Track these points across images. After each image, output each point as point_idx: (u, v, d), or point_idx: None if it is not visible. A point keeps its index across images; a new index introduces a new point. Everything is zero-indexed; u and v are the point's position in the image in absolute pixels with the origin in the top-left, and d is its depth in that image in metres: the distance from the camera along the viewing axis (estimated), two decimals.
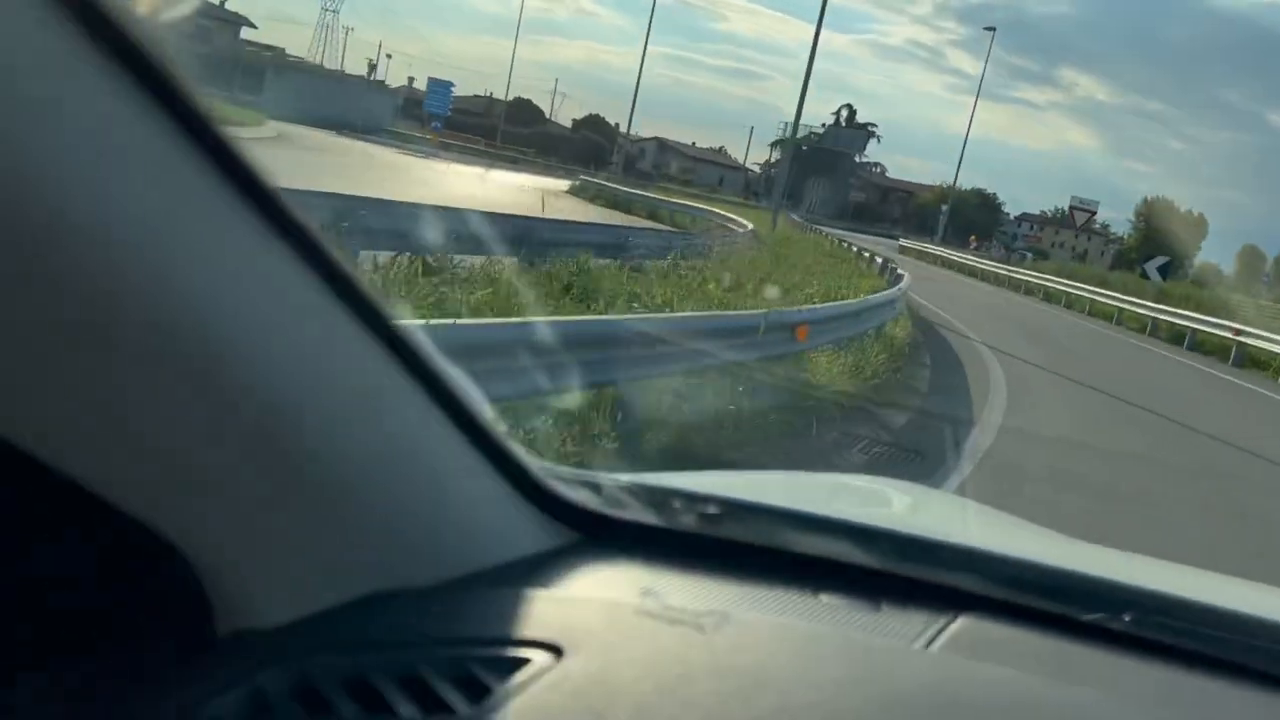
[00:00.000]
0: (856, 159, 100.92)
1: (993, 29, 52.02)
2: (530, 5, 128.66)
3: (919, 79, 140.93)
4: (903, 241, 54.20)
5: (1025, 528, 1.61)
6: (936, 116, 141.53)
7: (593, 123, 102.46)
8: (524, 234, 11.97)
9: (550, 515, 1.00)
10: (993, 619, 0.99)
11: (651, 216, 31.57)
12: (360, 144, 46.72)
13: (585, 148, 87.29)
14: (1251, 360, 19.57)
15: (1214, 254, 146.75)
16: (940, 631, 0.96)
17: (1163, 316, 23.29)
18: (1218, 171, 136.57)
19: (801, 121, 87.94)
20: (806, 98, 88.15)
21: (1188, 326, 21.84)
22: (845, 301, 9.80)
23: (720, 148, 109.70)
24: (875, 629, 0.97)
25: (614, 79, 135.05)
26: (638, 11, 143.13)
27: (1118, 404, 11.30)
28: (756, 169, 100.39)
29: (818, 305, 8.88)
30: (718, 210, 32.47)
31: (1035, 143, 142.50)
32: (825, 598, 1.00)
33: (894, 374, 9.15)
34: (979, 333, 15.95)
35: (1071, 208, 30.50)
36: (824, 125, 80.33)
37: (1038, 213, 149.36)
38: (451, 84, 61.25)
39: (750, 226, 24.73)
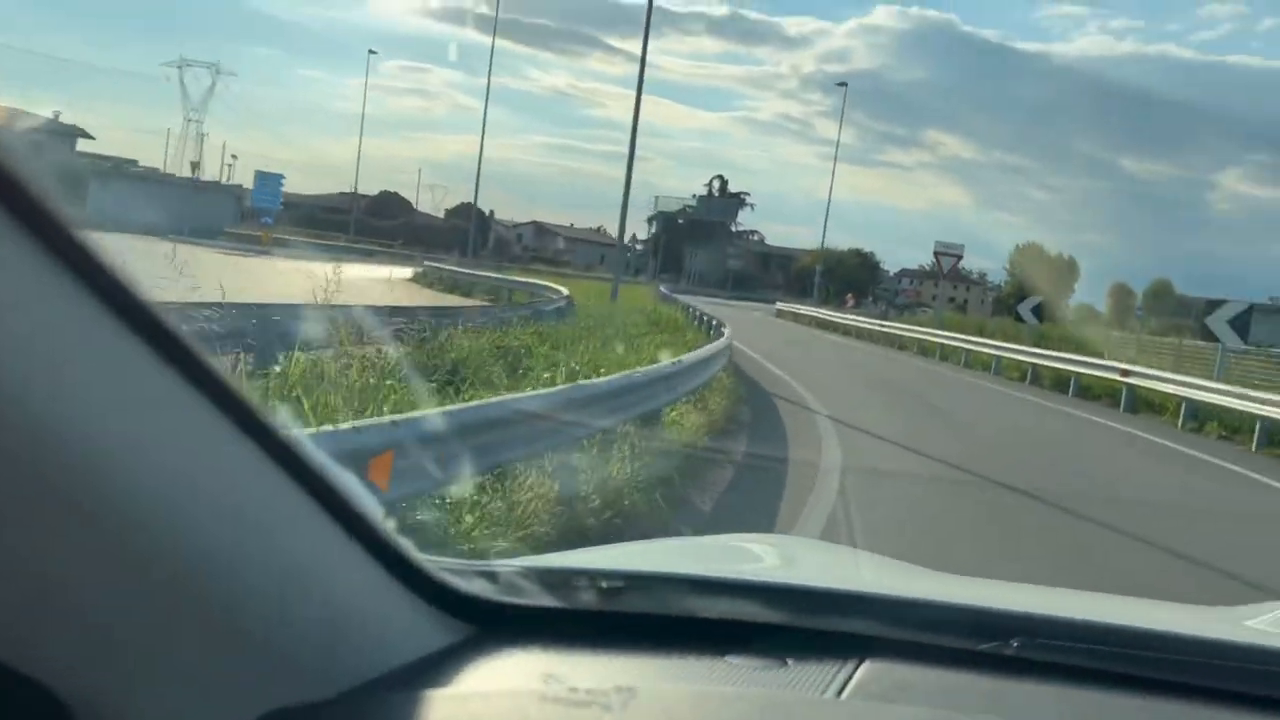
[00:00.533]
0: (732, 228, 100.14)
1: (844, 84, 50.99)
2: (408, 105, 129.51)
3: (792, 150, 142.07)
4: (779, 305, 52.18)
5: (912, 570, 1.68)
6: (811, 184, 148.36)
7: (464, 211, 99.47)
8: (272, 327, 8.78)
9: (447, 611, 0.99)
10: (895, 660, 1.04)
11: (491, 296, 30.72)
12: (187, 247, 42.75)
13: (454, 236, 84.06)
14: (1145, 403, 17.05)
15: (1087, 294, 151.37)
16: (849, 679, 0.99)
17: (1044, 362, 20.74)
18: (1079, 217, 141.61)
19: (676, 195, 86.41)
20: (686, 174, 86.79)
21: (1071, 371, 19.28)
22: (609, 377, 6.65)
23: (599, 227, 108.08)
24: (785, 684, 0.99)
25: (496, 170, 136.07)
26: (516, 105, 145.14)
27: (1002, 494, 8.18)
28: (639, 246, 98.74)
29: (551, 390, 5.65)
30: (558, 286, 29.45)
31: (908, 202, 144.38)
32: (733, 659, 1.02)
33: (653, 495, 5.85)
34: (830, 401, 12.89)
35: (936, 253, 27.85)
36: (695, 196, 78.76)
37: (916, 267, 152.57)
38: (281, 176, 57.47)
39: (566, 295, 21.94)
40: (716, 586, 1.12)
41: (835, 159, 53.17)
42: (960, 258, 29.72)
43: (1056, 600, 1.38)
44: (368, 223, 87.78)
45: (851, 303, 57.15)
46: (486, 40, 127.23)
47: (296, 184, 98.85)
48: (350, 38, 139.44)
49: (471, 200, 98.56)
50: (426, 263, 39.51)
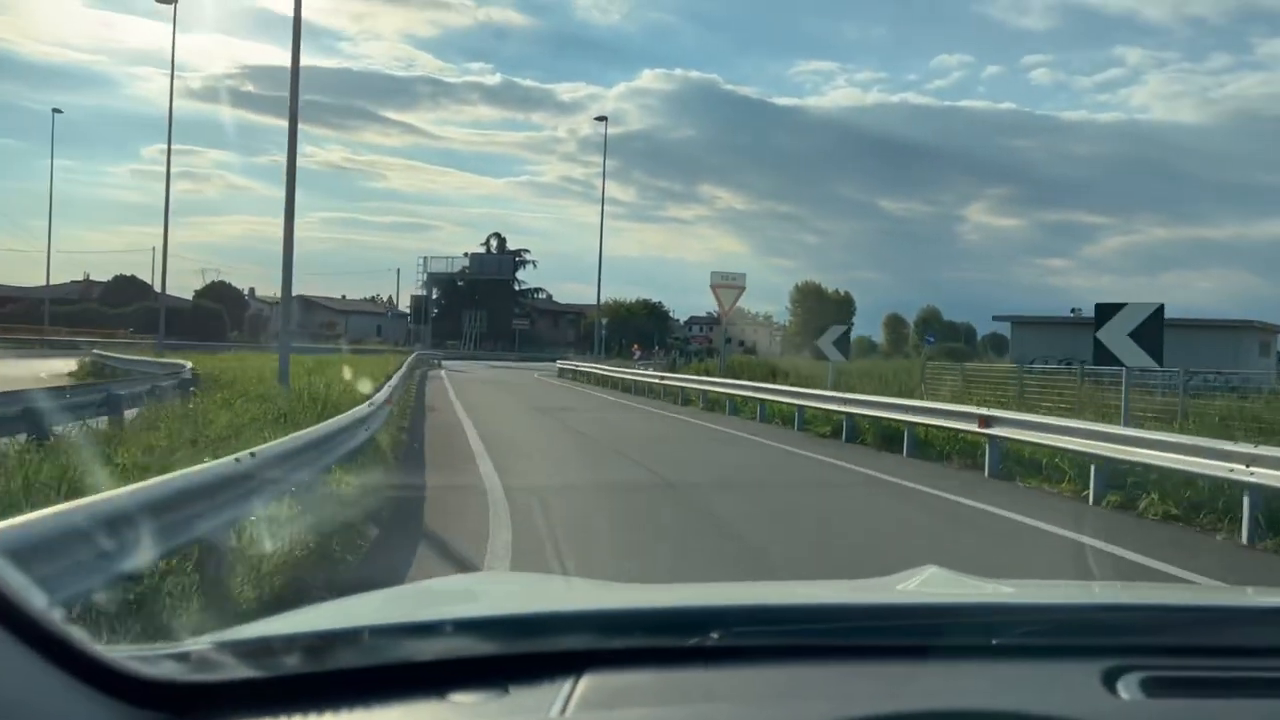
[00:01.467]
0: (515, 287, 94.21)
1: (604, 118, 46.17)
2: (177, 188, 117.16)
3: (578, 210, 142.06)
4: (561, 363, 46.46)
5: (618, 586, 1.78)
6: (605, 244, 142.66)
7: (216, 291, 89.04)
8: None
9: (131, 701, 0.93)
10: (612, 670, 1.07)
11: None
12: None
13: (198, 318, 74.02)
14: (1018, 460, 11.80)
15: (863, 327, 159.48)
16: (570, 696, 1.01)
17: (867, 411, 15.30)
18: (850, 256, 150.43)
19: (447, 254, 79.47)
20: (475, 241, 79.89)
21: (903, 421, 13.90)
22: None
23: (374, 296, 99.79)
24: (509, 711, 1.01)
25: (274, 248, 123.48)
26: (297, 181, 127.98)
27: None
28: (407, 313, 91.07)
29: None
30: (182, 362, 22.59)
31: (691, 254, 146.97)
32: (456, 697, 1.01)
33: None
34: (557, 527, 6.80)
35: (714, 287, 22.21)
36: (466, 254, 72.25)
37: (704, 314, 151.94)
38: None
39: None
40: (426, 629, 1.10)
41: (603, 198, 48.09)
42: (742, 289, 24.76)
43: (748, 591, 1.50)
44: (98, 311, 76.32)
45: (639, 354, 52.10)
46: (255, 119, 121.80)
47: (29, 277, 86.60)
48: (109, 126, 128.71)
49: (253, 283, 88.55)
50: (96, 351, 31.25)
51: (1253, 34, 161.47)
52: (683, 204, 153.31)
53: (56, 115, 66.93)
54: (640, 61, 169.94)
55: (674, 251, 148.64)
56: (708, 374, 28.49)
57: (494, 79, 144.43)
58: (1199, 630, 1.35)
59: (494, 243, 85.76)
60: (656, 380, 27.30)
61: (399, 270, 72.92)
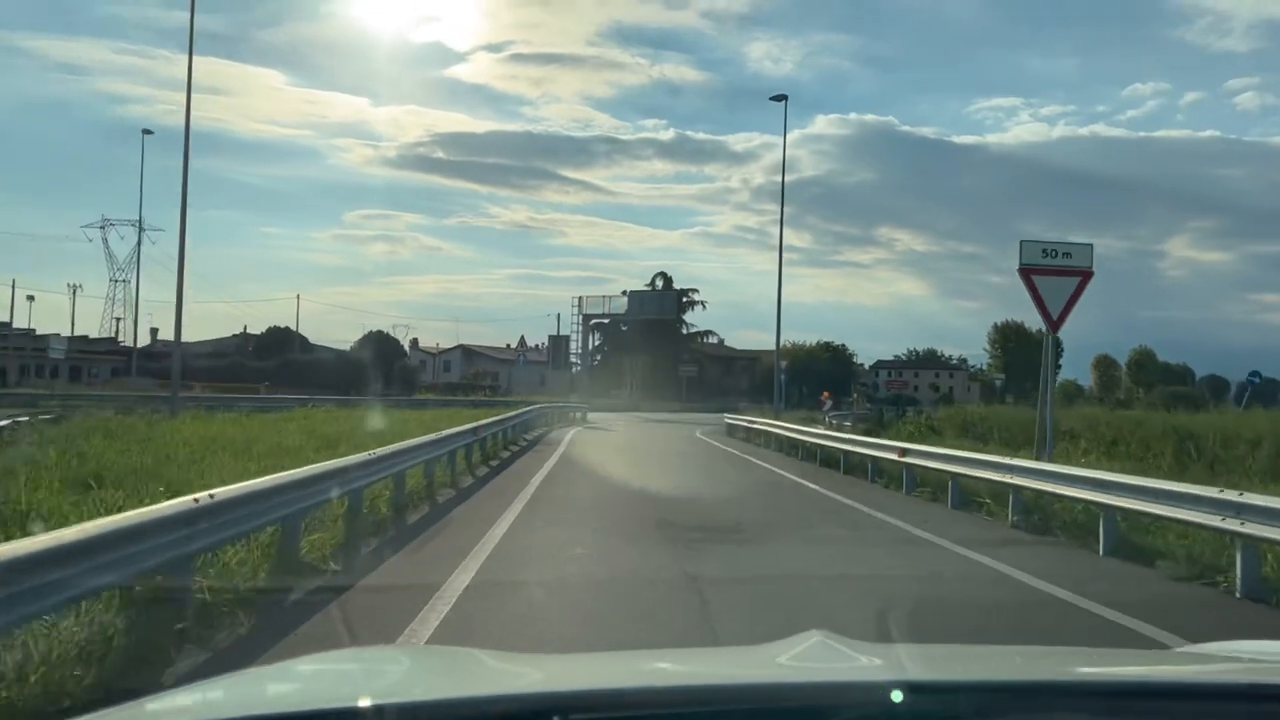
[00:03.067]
0: (682, 330, 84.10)
1: (783, 96, 35.23)
2: (376, 251, 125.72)
3: (752, 259, 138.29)
4: (730, 419, 35.73)
5: (480, 661, 1.62)
6: (774, 289, 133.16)
7: (375, 341, 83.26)
8: None
9: None
10: None
11: None
12: None
13: (346, 370, 67.45)
14: None
15: (1067, 371, 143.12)
16: None
17: None
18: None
19: (609, 295, 70.10)
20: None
21: None
22: None
23: (538, 344, 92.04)
24: None
25: (467, 305, 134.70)
26: (480, 241, 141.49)
27: None
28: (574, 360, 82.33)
29: None
30: None
31: (870, 299, 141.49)
32: None
33: None
34: None
35: (1026, 270, 9.89)
36: (625, 293, 62.47)
37: (891, 358, 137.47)
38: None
39: None
40: None
41: (782, 205, 37.41)
42: (1088, 274, 13.30)
43: (605, 669, 1.41)
44: (242, 364, 71.21)
45: (829, 404, 40.48)
46: (445, 183, 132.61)
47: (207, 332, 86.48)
48: (313, 194, 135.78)
49: (464, 341, 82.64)
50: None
51: None
52: (860, 247, 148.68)
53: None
54: (814, 108, 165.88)
55: (851, 296, 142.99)
56: (983, 451, 16.75)
57: (668, 134, 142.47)
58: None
59: (659, 283, 76.07)
60: (891, 456, 15.72)
61: (559, 315, 64.64)
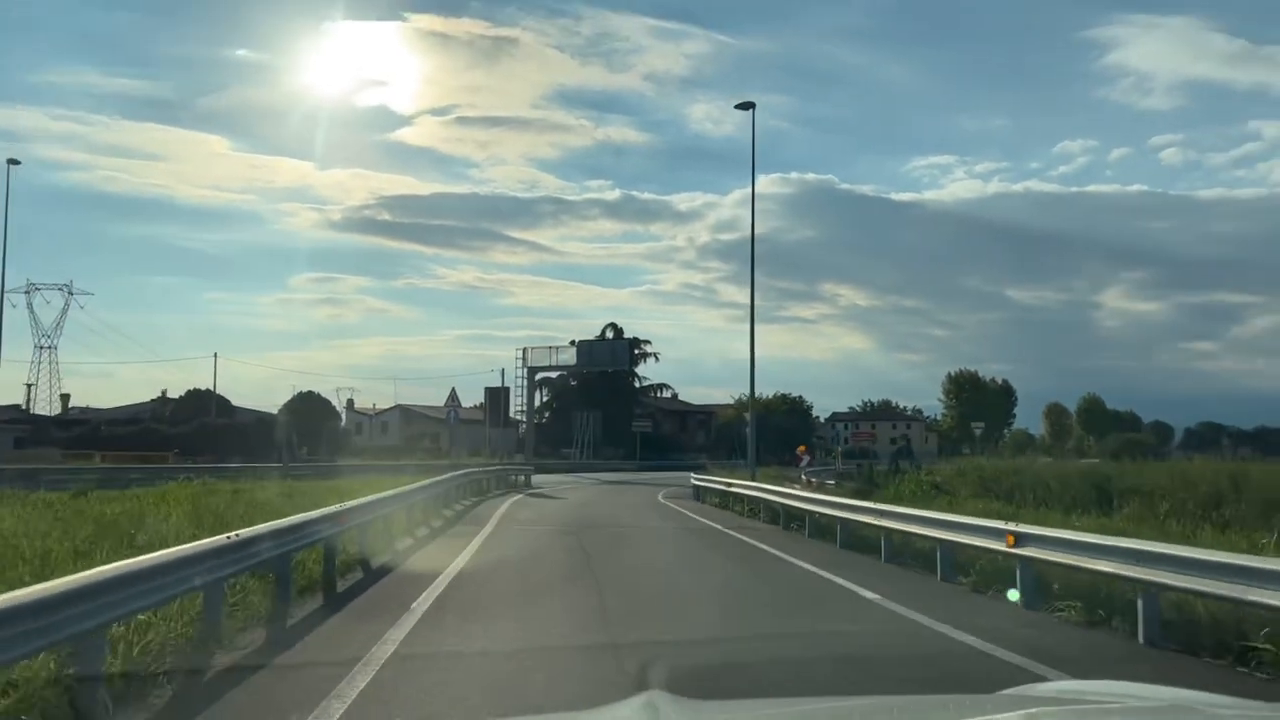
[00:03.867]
0: (635, 383, 78.54)
1: (751, 105, 30.32)
2: (322, 314, 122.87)
3: (701, 315, 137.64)
4: (697, 479, 30.10)
5: None
6: (723, 346, 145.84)
7: (302, 403, 76.40)
8: None
9: None
10: None
11: None
12: None
13: (266, 435, 60.46)
14: None
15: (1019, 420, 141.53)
16: None
17: None
18: (979, 349, 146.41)
19: (555, 345, 64.05)
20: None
21: None
22: None
23: (480, 404, 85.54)
24: None
25: (412, 366, 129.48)
26: (428, 302, 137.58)
27: None
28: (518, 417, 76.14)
29: None
30: None
31: (817, 353, 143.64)
32: None
33: None
34: None
35: None
36: (573, 342, 56.74)
37: (846, 410, 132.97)
38: None
39: None
40: None
41: (752, 247, 32.15)
42: None
43: None
44: (154, 430, 63.90)
45: (807, 460, 35.03)
46: (392, 245, 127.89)
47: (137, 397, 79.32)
48: (257, 259, 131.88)
49: (406, 400, 75.80)
50: None
51: None
52: (805, 303, 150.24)
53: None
54: (756, 167, 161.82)
55: (798, 351, 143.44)
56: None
57: (613, 194, 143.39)
58: None
59: (609, 332, 70.64)
60: (990, 544, 10.02)
61: (503, 370, 58.69)
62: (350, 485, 21.95)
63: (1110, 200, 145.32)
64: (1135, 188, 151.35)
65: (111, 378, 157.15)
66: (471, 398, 77.11)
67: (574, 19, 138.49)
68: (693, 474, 33.48)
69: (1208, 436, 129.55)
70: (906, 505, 14.84)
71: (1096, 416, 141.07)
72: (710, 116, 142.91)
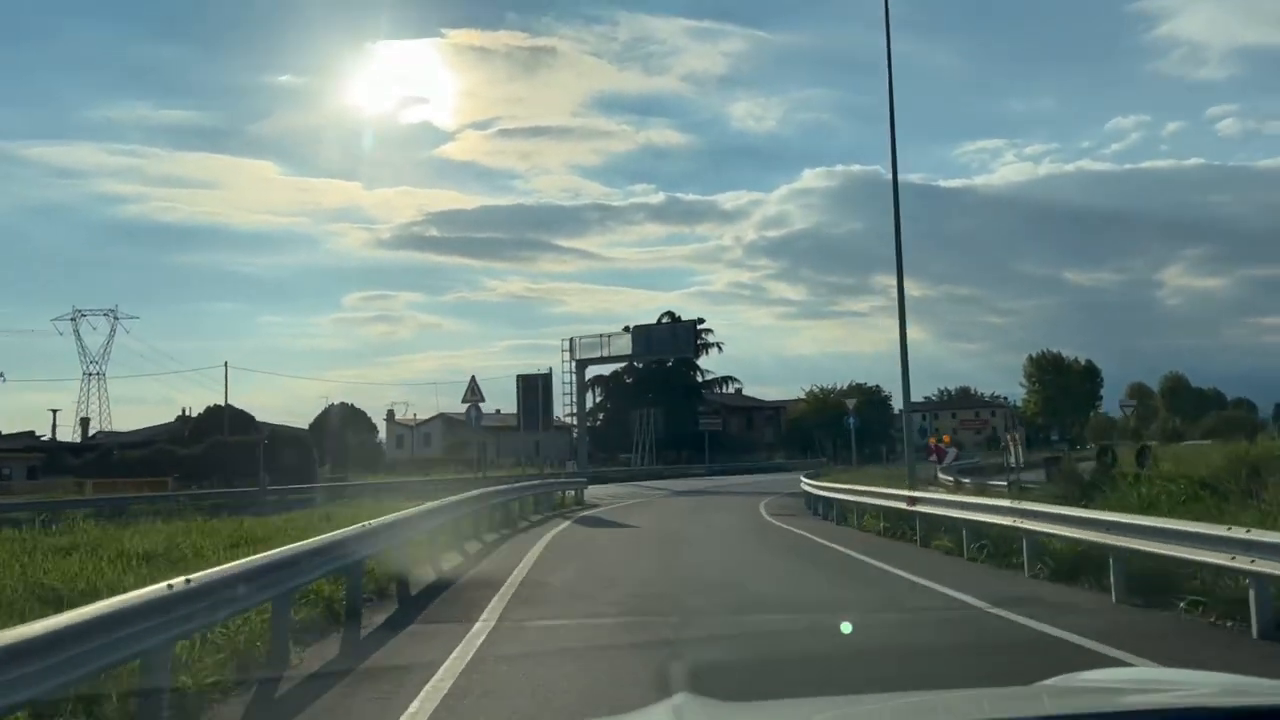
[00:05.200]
0: (698, 378, 69.31)
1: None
2: (376, 331, 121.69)
3: (750, 314, 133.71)
4: (812, 486, 20.71)
5: None
6: (776, 344, 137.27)
7: (336, 415, 68.66)
8: None
9: None
10: None
11: None
12: None
13: (290, 452, 52.54)
14: None
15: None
16: None
17: None
18: (1036, 334, 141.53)
19: (608, 333, 53.58)
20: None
21: None
22: None
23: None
24: None
25: (464, 378, 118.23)
26: (478, 314, 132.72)
27: None
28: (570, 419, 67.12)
29: None
30: None
31: (870, 346, 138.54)
32: None
33: None
34: None
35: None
36: (628, 328, 47.62)
37: (922, 399, 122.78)
38: None
39: None
40: None
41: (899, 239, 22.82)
42: None
43: None
44: (170, 452, 56.24)
45: (953, 454, 25.52)
46: (440, 260, 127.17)
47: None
48: (310, 280, 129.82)
49: (444, 410, 68.13)
50: None
51: None
52: (856, 296, 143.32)
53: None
54: (800, 162, 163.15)
55: (851, 345, 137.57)
56: None
57: (658, 197, 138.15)
58: None
59: (666, 320, 61.40)
60: None
61: (550, 369, 49.76)
62: (303, 520, 13.28)
63: (1166, 176, 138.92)
64: (1192, 161, 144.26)
65: (163, 403, 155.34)
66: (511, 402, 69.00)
67: (610, 24, 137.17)
68: (803, 477, 24.32)
69: None
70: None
71: (1181, 396, 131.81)
72: (751, 114, 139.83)
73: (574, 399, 46.97)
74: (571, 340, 47.52)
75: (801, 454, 76.15)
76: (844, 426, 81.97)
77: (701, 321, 44.59)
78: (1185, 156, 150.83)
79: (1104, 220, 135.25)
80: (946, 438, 26.52)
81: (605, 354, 47.29)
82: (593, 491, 31.07)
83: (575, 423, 49.24)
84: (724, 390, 73.42)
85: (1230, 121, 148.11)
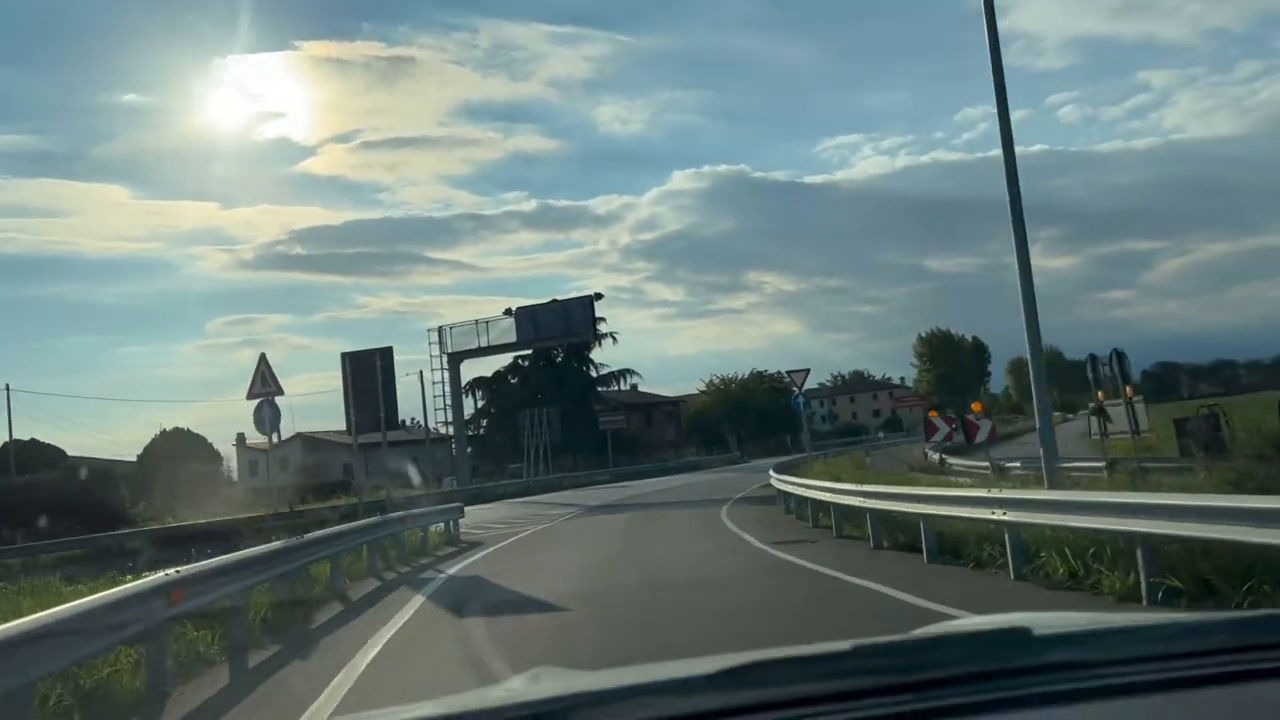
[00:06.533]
0: (592, 372, 60.73)
1: None
2: (243, 357, 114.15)
3: (632, 318, 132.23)
4: (787, 483, 12.75)
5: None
6: (657, 345, 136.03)
7: (168, 442, 57.20)
8: None
9: None
10: None
11: None
12: None
13: (85, 493, 41.50)
14: None
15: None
16: None
17: None
18: (906, 320, 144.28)
19: (486, 318, 43.28)
20: None
21: None
22: None
23: (404, 421, 66.34)
24: None
25: (339, 400, 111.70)
26: (351, 332, 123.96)
27: None
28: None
29: None
30: None
31: (749, 342, 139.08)
32: None
33: None
34: None
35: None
36: (511, 311, 38.57)
37: (817, 386, 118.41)
38: None
39: None
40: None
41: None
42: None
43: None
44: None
45: (950, 428, 17.93)
46: (308, 279, 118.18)
47: None
48: (170, 307, 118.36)
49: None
50: None
51: (1278, 36, 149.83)
52: (732, 294, 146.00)
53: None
54: (669, 164, 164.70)
55: (730, 342, 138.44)
56: None
57: (530, 204, 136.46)
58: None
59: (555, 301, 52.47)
60: None
61: (391, 347, 40.40)
62: None
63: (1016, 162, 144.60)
64: (1037, 148, 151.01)
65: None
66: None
67: (470, 32, 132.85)
68: (775, 472, 16.39)
69: (1166, 378, 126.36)
70: None
71: (1060, 370, 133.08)
72: (618, 117, 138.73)
73: (446, 401, 37.72)
74: (440, 330, 38.21)
75: (707, 449, 68.89)
76: (749, 412, 74.83)
77: (599, 297, 35.95)
78: (1031, 143, 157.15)
79: (960, 208, 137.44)
80: (977, 405, 18.73)
81: (484, 344, 38.15)
82: (475, 516, 22.13)
83: (451, 431, 39.86)
84: (621, 386, 65.02)
85: (1070, 109, 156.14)
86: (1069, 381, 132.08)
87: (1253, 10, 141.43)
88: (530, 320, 37.41)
